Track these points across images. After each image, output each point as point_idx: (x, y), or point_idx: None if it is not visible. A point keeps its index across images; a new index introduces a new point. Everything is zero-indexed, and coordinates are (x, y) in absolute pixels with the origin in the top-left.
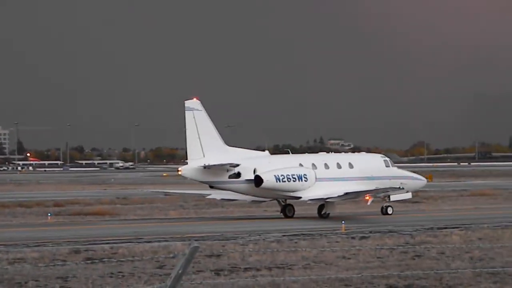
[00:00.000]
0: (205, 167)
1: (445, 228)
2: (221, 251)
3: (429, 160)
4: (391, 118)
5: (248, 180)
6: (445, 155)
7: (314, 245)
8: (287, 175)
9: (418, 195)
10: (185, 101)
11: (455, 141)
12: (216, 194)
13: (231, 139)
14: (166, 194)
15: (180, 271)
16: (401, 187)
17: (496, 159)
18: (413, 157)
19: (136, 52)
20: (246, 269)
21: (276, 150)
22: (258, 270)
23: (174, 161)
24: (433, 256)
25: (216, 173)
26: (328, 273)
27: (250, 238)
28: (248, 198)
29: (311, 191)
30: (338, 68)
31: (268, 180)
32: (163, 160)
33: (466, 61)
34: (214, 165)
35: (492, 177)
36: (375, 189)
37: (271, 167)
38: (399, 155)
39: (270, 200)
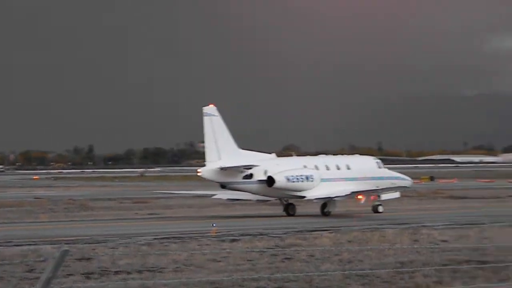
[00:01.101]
0: (222, 168)
1: (316, 230)
2: (91, 254)
3: None
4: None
5: (260, 181)
6: None
7: (185, 248)
8: (296, 175)
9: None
10: (203, 108)
11: (326, 144)
12: (222, 194)
13: None
14: (162, 194)
15: (49, 275)
16: (398, 187)
17: None
18: None
19: None
20: (116, 272)
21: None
22: (128, 273)
23: (45, 164)
24: (302, 258)
25: (231, 174)
26: (199, 276)
27: (121, 241)
28: (254, 197)
29: (316, 191)
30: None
31: (280, 180)
32: (32, 163)
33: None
34: (230, 167)
35: None
36: (379, 189)
37: (280, 168)
38: None
39: (275, 200)
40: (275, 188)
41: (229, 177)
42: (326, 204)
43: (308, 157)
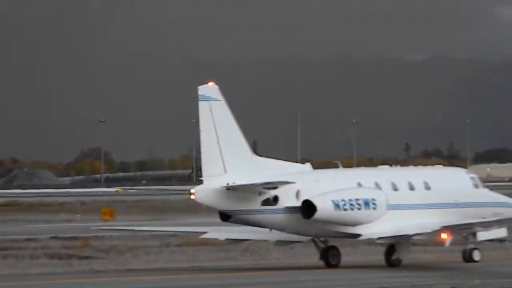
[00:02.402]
0: (228, 188)
1: None
2: None
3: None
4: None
5: (290, 208)
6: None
7: None
8: (349, 200)
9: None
10: (199, 87)
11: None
12: (216, 232)
13: None
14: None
15: None
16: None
17: None
18: (80, 177)
19: None
20: None
21: None
22: None
23: None
24: None
25: (242, 198)
26: None
27: None
28: (272, 236)
29: (380, 225)
30: None
31: (324, 208)
32: None
33: None
34: (242, 185)
35: None
36: (481, 222)
37: (321, 187)
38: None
39: (308, 240)
40: (316, 221)
41: (240, 202)
42: (394, 247)
43: (363, 169)
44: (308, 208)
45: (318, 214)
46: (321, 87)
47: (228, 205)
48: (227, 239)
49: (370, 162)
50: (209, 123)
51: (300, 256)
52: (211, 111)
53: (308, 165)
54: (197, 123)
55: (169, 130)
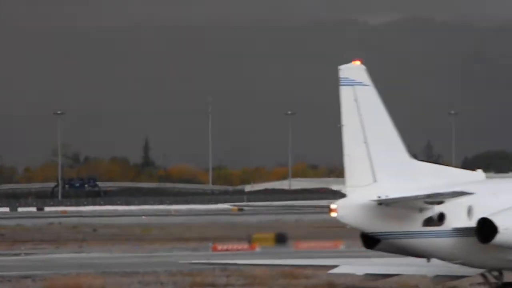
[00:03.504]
0: (380, 203)
1: None
2: None
3: None
4: None
5: (459, 230)
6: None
7: None
8: None
9: None
10: (339, 67)
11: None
12: (349, 266)
13: None
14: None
15: None
16: None
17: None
18: None
19: None
20: None
21: None
22: None
23: None
24: None
25: (399, 216)
26: None
27: None
28: (430, 270)
29: None
30: None
31: (508, 229)
32: None
33: None
34: (400, 198)
35: None
36: None
37: (501, 202)
38: None
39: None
40: (495, 246)
41: (395, 222)
42: None
43: None
44: (485, 229)
45: (499, 237)
46: None
47: (378, 226)
48: (366, 274)
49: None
50: (353, 116)
51: None
52: (356, 99)
53: (479, 172)
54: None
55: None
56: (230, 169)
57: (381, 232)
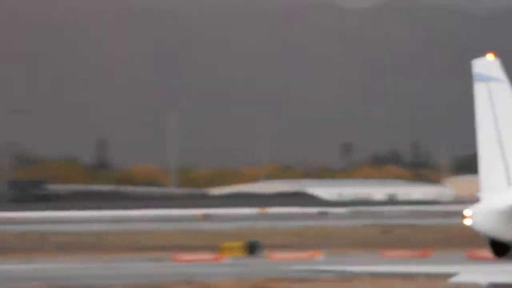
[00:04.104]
0: None
1: None
2: None
3: None
4: None
5: None
6: None
7: None
8: None
9: None
10: (473, 61)
11: None
12: (472, 274)
13: None
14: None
15: None
16: None
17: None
18: None
19: None
20: None
21: None
22: None
23: None
24: None
25: None
26: None
27: None
28: None
29: None
30: None
31: None
32: None
33: None
34: None
35: None
36: None
37: None
38: None
39: None
40: None
41: None
42: None
43: None
44: None
45: None
46: None
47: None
48: (491, 283)
49: (288, 171)
50: (488, 114)
51: None
52: (490, 96)
53: None
54: None
55: None
56: (196, 171)
57: None
